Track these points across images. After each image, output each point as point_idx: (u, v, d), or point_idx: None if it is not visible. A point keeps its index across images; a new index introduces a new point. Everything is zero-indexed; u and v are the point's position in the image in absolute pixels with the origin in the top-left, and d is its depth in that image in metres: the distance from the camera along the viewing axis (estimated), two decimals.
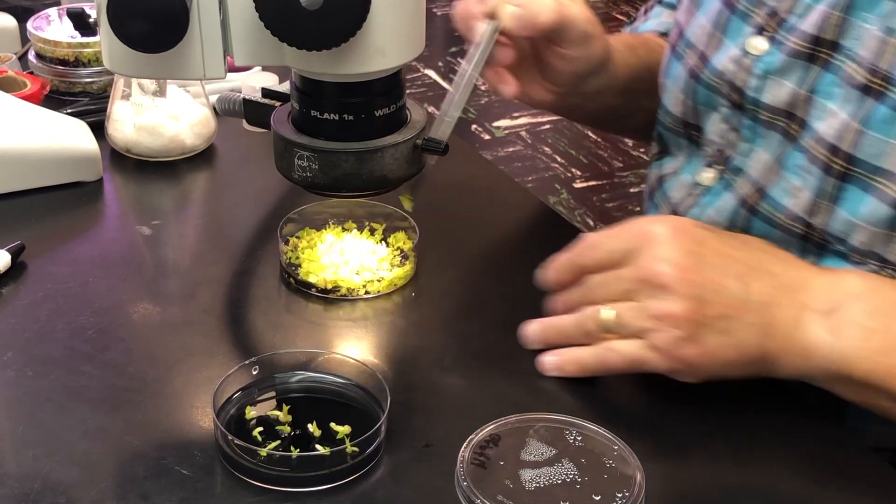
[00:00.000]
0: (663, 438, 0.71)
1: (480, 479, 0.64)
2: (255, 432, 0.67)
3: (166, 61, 0.70)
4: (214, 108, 0.99)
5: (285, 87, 0.83)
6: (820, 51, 0.76)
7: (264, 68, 1.14)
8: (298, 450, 0.65)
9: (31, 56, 1.16)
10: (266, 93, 0.86)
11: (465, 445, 0.66)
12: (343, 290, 0.83)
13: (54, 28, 1.16)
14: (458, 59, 3.53)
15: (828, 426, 0.73)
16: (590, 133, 3.11)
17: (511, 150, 3.06)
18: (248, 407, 0.69)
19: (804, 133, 0.77)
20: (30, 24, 1.16)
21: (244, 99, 0.87)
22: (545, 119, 3.15)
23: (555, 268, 0.76)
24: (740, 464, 0.69)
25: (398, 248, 0.88)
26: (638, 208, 2.55)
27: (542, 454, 0.66)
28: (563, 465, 0.66)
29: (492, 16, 0.80)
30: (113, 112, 1.02)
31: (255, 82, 1.09)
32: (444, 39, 3.72)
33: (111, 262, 0.87)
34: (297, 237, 0.88)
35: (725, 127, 0.85)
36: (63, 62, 1.14)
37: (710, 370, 0.70)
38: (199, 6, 0.69)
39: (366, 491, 0.65)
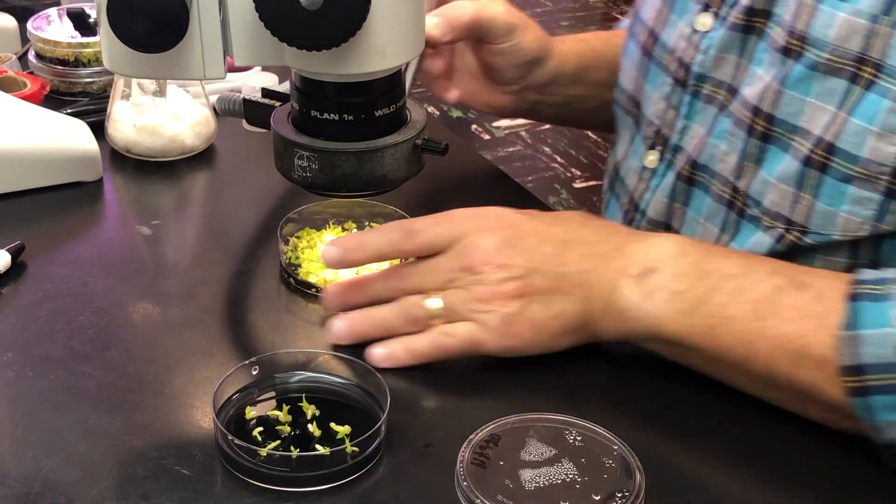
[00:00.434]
0: (663, 438, 0.71)
1: (480, 479, 0.64)
2: (255, 432, 0.67)
3: (166, 61, 0.70)
4: (214, 108, 0.99)
5: (285, 87, 0.83)
6: (755, 21, 0.78)
7: (264, 68, 1.14)
8: (298, 450, 0.65)
9: (31, 56, 1.16)
10: (266, 93, 0.86)
11: (465, 445, 0.66)
12: None
13: (54, 28, 1.16)
14: None
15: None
16: (590, 133, 3.12)
17: (511, 150, 3.06)
18: (248, 407, 0.69)
19: (733, 100, 0.80)
20: (30, 24, 1.16)
21: (244, 99, 0.87)
22: None
23: (368, 249, 0.76)
24: (740, 464, 0.69)
25: None
26: None
27: (542, 454, 0.66)
28: (562, 465, 0.66)
29: None
30: (113, 112, 1.02)
31: (255, 82, 1.09)
32: None
33: (111, 262, 0.87)
34: (297, 237, 0.88)
35: (664, 106, 0.88)
36: (63, 62, 1.14)
37: (540, 343, 0.74)
38: (199, 6, 0.69)
39: (366, 491, 0.65)
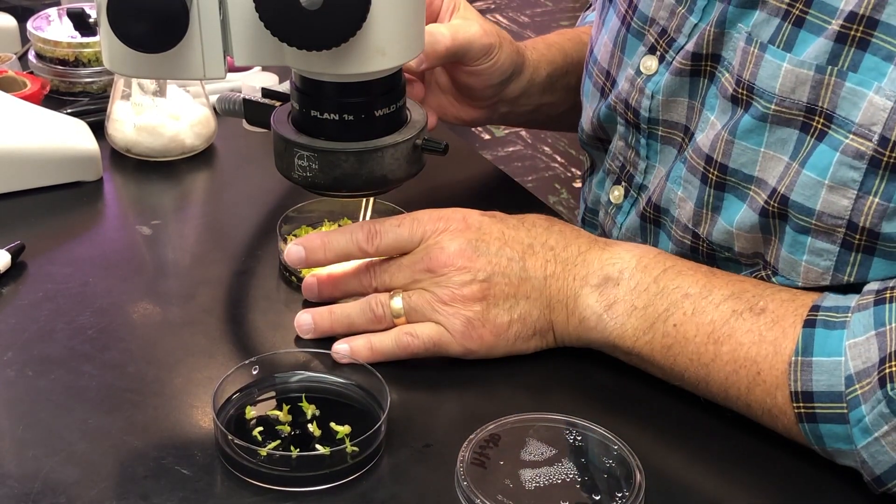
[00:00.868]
0: (663, 438, 0.71)
1: (480, 479, 0.64)
2: (255, 432, 0.67)
3: (166, 61, 0.70)
4: (214, 108, 0.99)
5: (285, 87, 0.83)
6: (703, 65, 0.76)
7: (264, 68, 1.14)
8: (298, 450, 0.65)
9: (31, 56, 1.16)
10: (266, 93, 0.86)
11: (465, 445, 0.66)
12: None
13: (54, 28, 1.16)
14: None
15: None
16: None
17: (511, 150, 3.06)
18: (248, 407, 0.69)
19: (688, 145, 0.78)
20: (30, 24, 1.16)
21: (244, 99, 0.87)
22: None
23: (330, 250, 0.76)
24: (740, 464, 0.69)
25: None
26: None
27: (542, 454, 0.66)
28: (562, 465, 0.66)
29: None
30: (113, 112, 1.02)
31: (255, 82, 1.09)
32: None
33: (111, 262, 0.87)
34: (295, 235, 0.88)
35: (622, 144, 0.87)
36: (63, 62, 1.14)
37: (504, 346, 0.74)
38: (199, 6, 0.69)
39: (366, 491, 0.65)
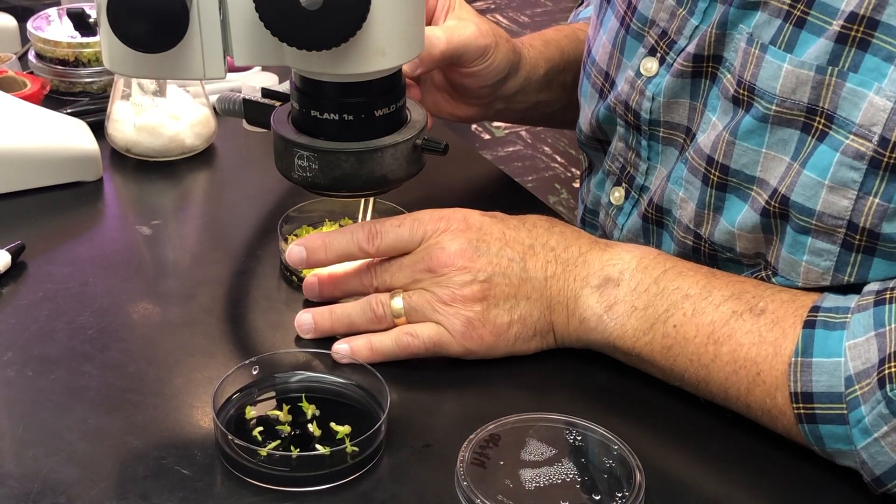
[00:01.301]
0: (663, 438, 0.71)
1: (480, 479, 0.64)
2: (255, 432, 0.67)
3: (166, 61, 0.70)
4: (214, 108, 0.99)
5: (285, 87, 0.83)
6: (705, 66, 0.76)
7: (264, 68, 1.14)
8: (298, 450, 0.65)
9: (31, 56, 1.16)
10: (266, 93, 0.86)
11: (465, 445, 0.66)
12: None
13: (54, 28, 1.16)
14: None
15: None
16: None
17: (511, 150, 3.06)
18: (248, 407, 0.69)
19: (689, 145, 0.78)
20: (30, 24, 1.16)
21: (244, 99, 0.87)
22: None
23: (331, 250, 0.76)
24: (740, 464, 0.69)
25: None
26: None
27: (542, 454, 0.66)
28: (562, 465, 0.66)
29: None
30: (113, 112, 1.02)
31: (255, 82, 1.09)
32: None
33: (111, 262, 0.87)
34: (296, 235, 0.88)
35: (623, 146, 0.86)
36: (63, 62, 1.14)
37: (504, 347, 0.74)
38: (199, 6, 0.69)
39: (366, 491, 0.65)
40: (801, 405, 0.65)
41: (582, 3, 1.14)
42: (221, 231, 0.95)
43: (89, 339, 0.77)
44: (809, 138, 0.68)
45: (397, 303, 0.74)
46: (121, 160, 1.03)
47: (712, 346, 0.69)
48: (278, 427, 0.68)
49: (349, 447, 0.65)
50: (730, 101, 0.73)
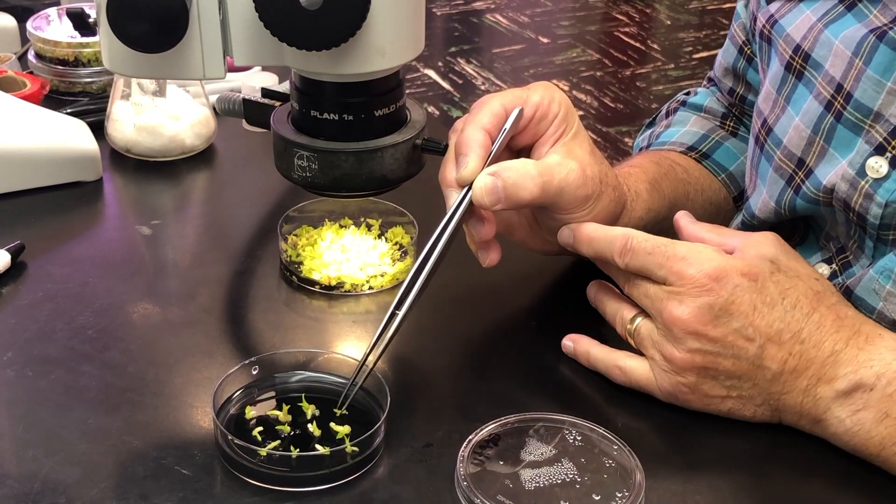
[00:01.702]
0: (663, 438, 0.71)
1: (480, 479, 0.64)
2: (255, 432, 0.67)
3: (166, 61, 0.70)
4: (214, 108, 0.99)
5: (285, 87, 0.83)
6: None
7: (264, 68, 1.14)
8: (298, 450, 0.65)
9: (31, 56, 1.16)
10: (266, 93, 0.86)
11: (465, 445, 0.66)
12: (347, 286, 0.84)
13: (54, 28, 1.16)
14: (458, 59, 3.53)
15: None
16: (590, 133, 3.12)
17: None
18: (248, 407, 0.69)
19: None
20: (29, 24, 1.16)
21: (244, 99, 0.87)
22: None
23: (592, 250, 0.73)
24: (740, 464, 0.69)
25: (397, 242, 0.89)
26: None
27: (542, 454, 0.66)
28: (563, 465, 0.66)
29: (465, 184, 0.72)
30: (113, 112, 1.02)
31: (255, 82, 1.09)
32: (444, 39, 3.72)
33: (111, 262, 0.87)
34: (296, 235, 0.88)
35: (843, 231, 0.79)
36: (63, 62, 1.14)
37: (713, 411, 0.71)
38: (199, 6, 0.69)
39: (366, 491, 0.65)
40: None
41: (654, 119, 1.05)
42: (221, 231, 0.95)
43: (89, 339, 0.77)
44: None
45: (630, 326, 0.73)
46: (121, 160, 1.03)
47: None
48: (278, 427, 0.68)
49: (349, 447, 0.65)
50: None
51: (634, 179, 0.84)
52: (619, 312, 0.74)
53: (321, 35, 0.66)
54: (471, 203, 0.72)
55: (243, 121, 0.93)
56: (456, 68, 3.48)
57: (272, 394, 0.71)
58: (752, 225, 0.86)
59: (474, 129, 0.72)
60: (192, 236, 0.95)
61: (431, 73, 3.44)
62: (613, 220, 0.78)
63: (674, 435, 0.71)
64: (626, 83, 3.46)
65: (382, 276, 0.84)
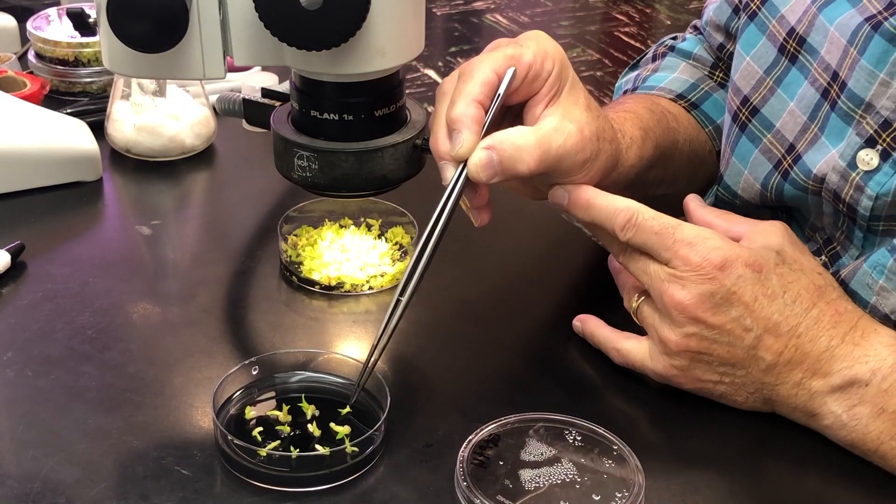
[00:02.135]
0: (663, 438, 0.71)
1: (480, 479, 0.64)
2: (255, 432, 0.67)
3: (166, 61, 0.70)
4: (214, 108, 0.99)
5: (285, 87, 0.83)
6: None
7: (264, 68, 1.14)
8: (298, 450, 0.65)
9: (31, 56, 1.16)
10: (266, 93, 0.86)
11: (465, 445, 0.66)
12: (347, 286, 0.83)
13: (54, 28, 1.16)
14: (459, 59, 3.53)
15: None
16: None
17: None
18: (248, 407, 0.69)
19: None
20: (29, 24, 1.16)
21: (244, 99, 0.87)
22: None
23: (590, 215, 0.71)
24: (740, 464, 0.69)
25: (397, 242, 0.89)
26: None
27: (542, 454, 0.66)
28: (562, 465, 0.66)
29: (461, 161, 0.70)
30: (113, 112, 1.02)
31: (255, 82, 1.09)
32: (444, 39, 3.72)
33: (111, 262, 0.87)
34: (296, 235, 0.88)
35: (830, 222, 0.79)
36: (63, 62, 1.14)
37: (703, 394, 0.72)
38: (199, 6, 0.69)
39: (366, 491, 0.65)
40: None
41: (638, 62, 1.04)
42: (221, 231, 0.95)
43: (89, 339, 0.77)
44: None
45: (632, 304, 0.73)
46: (121, 160, 1.03)
47: None
48: (278, 427, 0.68)
49: (349, 447, 0.65)
50: None
51: (630, 125, 0.82)
52: (626, 287, 0.75)
53: (321, 35, 0.66)
54: (460, 187, 0.70)
55: (243, 121, 0.93)
56: (456, 68, 3.48)
57: (272, 394, 0.71)
58: (734, 205, 0.86)
59: (466, 104, 0.69)
60: (192, 236, 0.95)
61: (431, 73, 3.44)
62: (608, 173, 0.76)
63: (674, 436, 0.71)
64: None
65: (382, 276, 0.84)
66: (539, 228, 0.98)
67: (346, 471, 0.65)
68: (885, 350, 0.67)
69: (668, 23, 4.00)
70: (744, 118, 0.83)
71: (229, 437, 0.65)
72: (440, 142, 0.71)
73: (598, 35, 3.83)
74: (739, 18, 0.88)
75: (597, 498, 0.64)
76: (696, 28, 1.02)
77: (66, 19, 1.15)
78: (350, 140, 0.75)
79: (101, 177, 0.99)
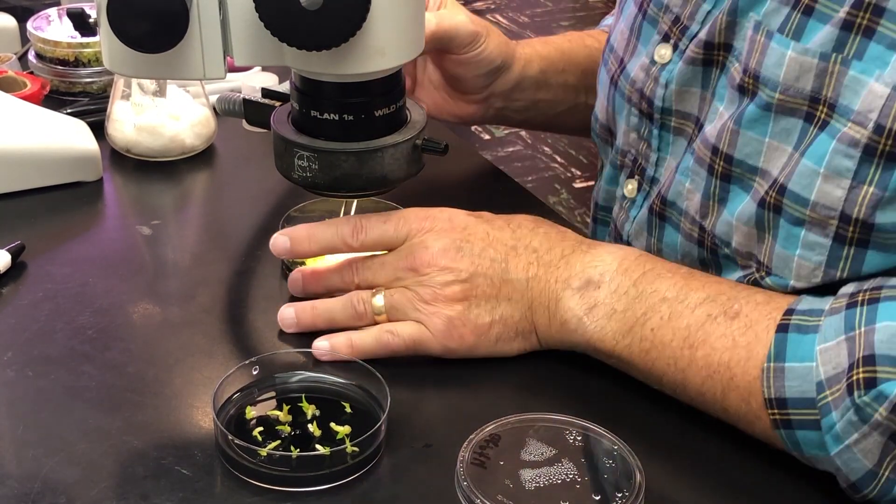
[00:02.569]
0: (663, 438, 0.71)
1: (480, 479, 0.64)
2: (255, 432, 0.67)
3: (166, 61, 0.70)
4: (214, 108, 0.99)
5: (285, 87, 0.83)
6: (715, 54, 0.75)
7: (264, 68, 1.14)
8: (298, 450, 0.65)
9: (31, 56, 1.16)
10: (266, 93, 0.86)
11: (465, 445, 0.66)
12: None
13: (54, 28, 1.16)
14: None
15: None
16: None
17: (511, 150, 3.06)
18: (248, 407, 0.69)
19: (697, 136, 0.77)
20: (30, 24, 1.16)
21: (244, 99, 0.87)
22: None
23: (315, 242, 0.77)
24: (739, 464, 0.69)
25: None
26: None
27: (542, 454, 0.66)
28: (563, 465, 0.66)
29: None
30: (113, 112, 1.02)
31: (255, 82, 1.09)
32: None
33: (111, 262, 0.87)
34: None
35: (635, 136, 0.85)
36: (63, 62, 1.14)
37: (485, 347, 0.75)
38: (199, 6, 0.69)
39: (366, 491, 0.65)
40: (775, 411, 0.65)
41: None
42: (221, 231, 0.95)
43: (89, 339, 0.77)
44: (812, 128, 0.67)
45: (378, 300, 0.75)
46: (121, 160, 1.03)
47: (688, 350, 0.69)
48: (278, 427, 0.68)
49: (349, 447, 0.65)
50: (736, 89, 0.72)
51: (527, 40, 1.00)
52: (350, 303, 0.76)
53: (321, 35, 0.66)
54: None
55: (243, 121, 0.93)
56: None
57: (272, 394, 0.71)
58: (595, 130, 0.93)
59: None
60: (192, 236, 0.95)
61: None
62: (507, 60, 0.95)
63: (674, 435, 0.71)
64: None
65: None
66: None
67: (347, 471, 0.65)
68: (609, 256, 0.74)
69: None
70: (603, 49, 0.92)
71: (229, 437, 0.65)
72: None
73: None
74: None
75: (597, 498, 0.64)
76: None
77: (66, 19, 1.15)
78: (350, 140, 0.75)
79: (102, 177, 0.99)
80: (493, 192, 1.03)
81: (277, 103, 0.83)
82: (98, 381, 0.73)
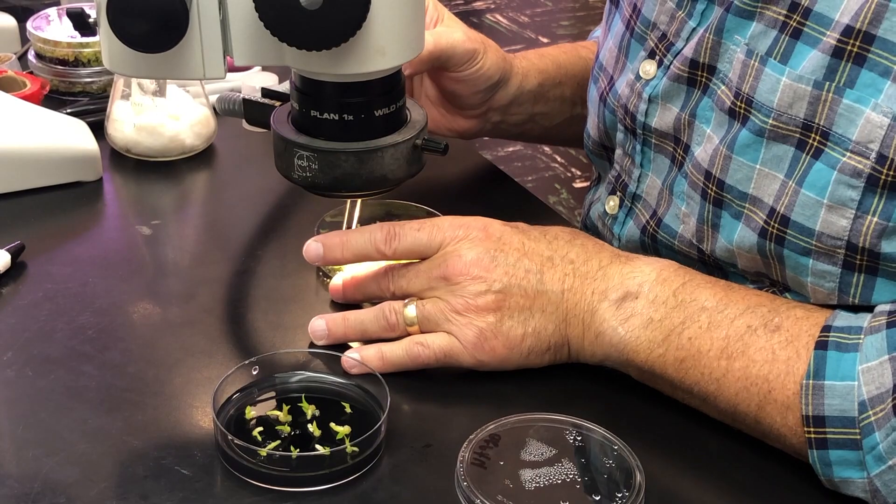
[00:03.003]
0: (663, 438, 0.71)
1: (480, 479, 0.64)
2: (255, 432, 0.67)
3: (166, 61, 0.70)
4: (214, 108, 0.99)
5: (285, 87, 0.83)
6: (699, 75, 0.75)
7: (264, 68, 1.14)
8: (298, 450, 0.65)
9: (31, 56, 1.16)
10: (266, 93, 0.86)
11: (465, 445, 0.66)
12: None
13: (54, 28, 1.16)
14: None
15: None
16: None
17: (511, 150, 3.06)
18: (248, 407, 0.69)
19: (686, 158, 0.77)
20: (29, 24, 1.16)
21: (244, 99, 0.87)
22: None
23: (348, 249, 0.76)
24: (740, 463, 0.69)
25: None
26: None
27: (542, 454, 0.66)
28: (563, 465, 0.66)
29: None
30: (113, 112, 1.02)
31: (255, 82, 1.09)
32: None
33: (111, 262, 0.87)
34: None
35: (621, 152, 0.85)
36: (63, 62, 1.14)
37: (516, 359, 0.73)
38: (199, 6, 0.69)
39: (366, 491, 0.65)
40: (811, 429, 0.64)
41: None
42: (221, 231, 0.95)
43: (89, 339, 0.77)
44: (804, 155, 0.67)
45: (410, 311, 0.74)
46: (121, 160, 1.03)
47: (725, 360, 0.68)
48: (278, 427, 0.68)
49: (349, 447, 0.65)
50: (726, 113, 0.72)
51: (523, 52, 0.99)
52: (382, 314, 0.74)
53: (321, 35, 0.66)
54: None
55: (243, 121, 0.93)
56: None
57: (272, 394, 0.71)
58: (588, 147, 0.94)
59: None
60: (192, 236, 0.95)
61: None
62: (504, 76, 0.95)
63: (674, 435, 0.71)
64: None
65: None
66: None
67: (346, 471, 0.65)
68: (647, 267, 0.73)
69: None
70: (593, 66, 0.93)
71: (229, 437, 0.65)
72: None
73: None
74: None
75: (597, 498, 0.64)
76: None
77: (66, 19, 1.15)
78: (350, 140, 0.75)
79: (101, 177, 0.99)
80: (493, 192, 1.03)
81: (277, 103, 0.83)
82: (98, 381, 0.73)
